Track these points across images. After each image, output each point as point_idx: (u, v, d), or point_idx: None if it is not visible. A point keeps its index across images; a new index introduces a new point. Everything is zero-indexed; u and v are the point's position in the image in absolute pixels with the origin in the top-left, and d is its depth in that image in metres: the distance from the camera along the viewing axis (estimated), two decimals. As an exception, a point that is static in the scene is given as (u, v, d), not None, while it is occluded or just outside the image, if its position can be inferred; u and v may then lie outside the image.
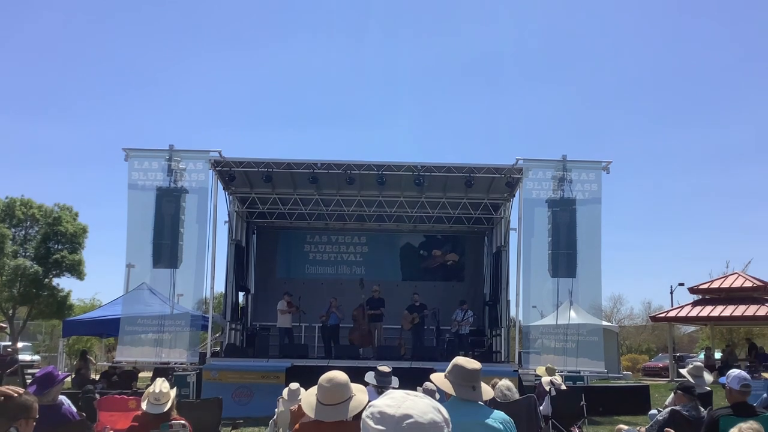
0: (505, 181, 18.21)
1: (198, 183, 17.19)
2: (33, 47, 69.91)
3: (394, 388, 7.26)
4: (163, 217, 16.73)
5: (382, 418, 1.53)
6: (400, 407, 1.54)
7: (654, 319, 33.59)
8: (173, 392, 5.79)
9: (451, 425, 1.58)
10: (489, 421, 3.64)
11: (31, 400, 3.34)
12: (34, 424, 3.55)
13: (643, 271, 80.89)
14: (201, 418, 8.32)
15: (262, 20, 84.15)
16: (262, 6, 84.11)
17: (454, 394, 3.65)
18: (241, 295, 20.75)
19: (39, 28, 70.13)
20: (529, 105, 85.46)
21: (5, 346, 26.09)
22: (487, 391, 3.77)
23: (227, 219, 19.67)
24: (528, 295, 17.16)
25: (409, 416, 1.51)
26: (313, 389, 3.88)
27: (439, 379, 3.81)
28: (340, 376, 3.85)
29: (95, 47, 75.42)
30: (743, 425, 3.91)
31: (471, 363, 3.74)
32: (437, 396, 5.14)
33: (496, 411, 3.77)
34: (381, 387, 7.06)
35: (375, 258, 22.14)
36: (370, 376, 7.29)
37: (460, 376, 3.69)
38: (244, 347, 19.32)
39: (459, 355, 4.03)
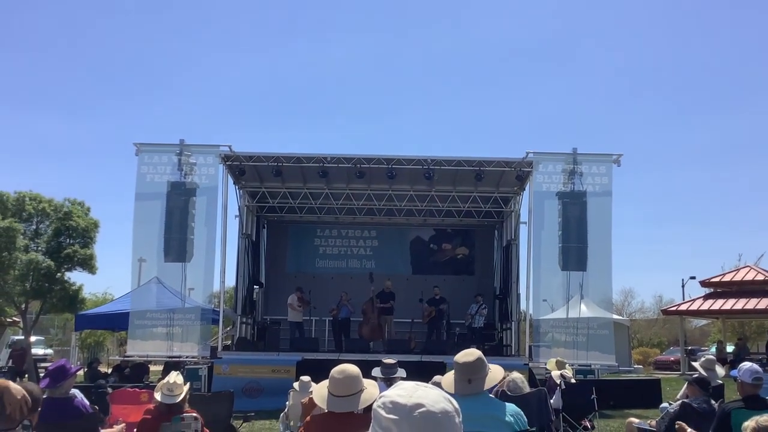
0: (515, 175, 18.15)
1: (208, 177, 17.23)
2: (42, 42, 70.27)
3: (402, 379, 7.29)
4: (174, 211, 16.78)
5: (394, 407, 1.53)
6: (411, 397, 1.54)
7: (665, 312, 33.46)
8: (187, 386, 5.82)
9: (461, 415, 1.58)
10: (499, 413, 3.65)
11: (38, 391, 3.37)
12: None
13: (654, 265, 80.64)
14: (212, 412, 8.35)
15: (271, 17, 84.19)
16: (270, 3, 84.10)
17: (453, 391, 3.64)
18: (255, 288, 20.81)
19: (50, 24, 70.48)
20: (539, 98, 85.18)
21: (18, 341, 26.31)
22: (491, 380, 3.76)
23: (237, 213, 19.73)
24: (538, 289, 17.12)
25: (421, 405, 1.52)
26: (325, 382, 3.90)
27: (446, 379, 3.84)
28: (352, 368, 3.87)
29: (106, 43, 75.71)
30: (760, 418, 3.88)
31: (465, 356, 3.74)
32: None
33: (507, 404, 3.77)
34: (388, 378, 7.06)
35: (385, 252, 22.15)
36: (376, 371, 7.31)
37: (456, 370, 3.71)
38: (255, 341, 19.39)
39: (469, 348, 4.01)
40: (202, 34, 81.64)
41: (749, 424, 3.87)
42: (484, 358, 3.78)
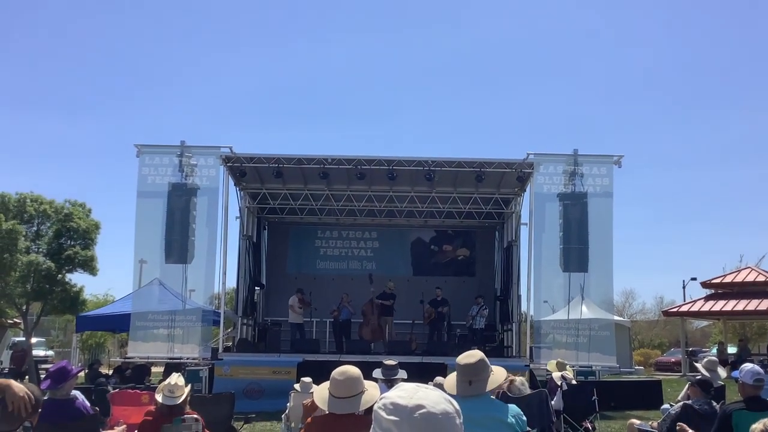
0: (515, 176, 18.16)
1: (209, 179, 17.25)
2: (43, 43, 70.33)
3: (403, 380, 7.31)
4: (175, 212, 16.79)
5: (395, 408, 1.53)
6: (412, 398, 1.54)
7: (666, 313, 33.45)
8: (188, 387, 5.82)
9: (462, 417, 1.58)
10: (500, 415, 3.65)
11: (38, 392, 3.37)
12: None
13: (655, 266, 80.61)
14: (213, 413, 8.35)
15: (271, 17, 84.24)
16: (270, 4, 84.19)
17: (454, 392, 3.63)
18: (256, 290, 20.80)
19: (50, 25, 70.55)
20: (540, 99, 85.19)
21: (19, 342, 26.32)
22: (493, 382, 3.76)
23: (238, 214, 19.74)
24: (539, 290, 17.13)
25: (421, 406, 1.52)
26: (326, 383, 3.89)
27: (449, 380, 3.83)
28: (353, 369, 3.87)
29: (107, 44, 75.77)
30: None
31: (466, 358, 3.73)
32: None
33: (508, 405, 3.77)
34: (389, 380, 7.07)
35: (386, 253, 22.15)
36: (377, 372, 7.32)
37: (458, 372, 3.71)
38: (256, 342, 19.39)
39: (471, 350, 4.01)
40: (202, 35, 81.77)
41: (757, 426, 3.85)
42: (486, 360, 3.78)
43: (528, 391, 9.04)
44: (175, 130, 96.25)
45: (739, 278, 28.10)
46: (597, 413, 11.49)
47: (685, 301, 35.00)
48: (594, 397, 11.20)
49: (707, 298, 28.81)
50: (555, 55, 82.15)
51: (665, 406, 9.66)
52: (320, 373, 5.68)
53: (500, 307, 20.60)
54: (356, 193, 19.88)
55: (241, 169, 17.97)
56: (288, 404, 8.76)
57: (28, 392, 2.97)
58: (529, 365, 16.18)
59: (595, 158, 17.36)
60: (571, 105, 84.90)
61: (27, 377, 20.71)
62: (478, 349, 4.14)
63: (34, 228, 22.89)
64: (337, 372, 3.84)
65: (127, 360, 18.33)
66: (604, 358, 16.79)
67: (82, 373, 14.54)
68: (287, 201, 20.14)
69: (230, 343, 19.65)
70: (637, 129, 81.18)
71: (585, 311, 17.19)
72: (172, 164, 17.06)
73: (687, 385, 7.73)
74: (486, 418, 3.57)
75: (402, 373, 7.49)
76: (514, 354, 18.70)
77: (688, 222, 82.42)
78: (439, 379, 6.94)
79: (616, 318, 23.55)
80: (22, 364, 22.68)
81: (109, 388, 11.49)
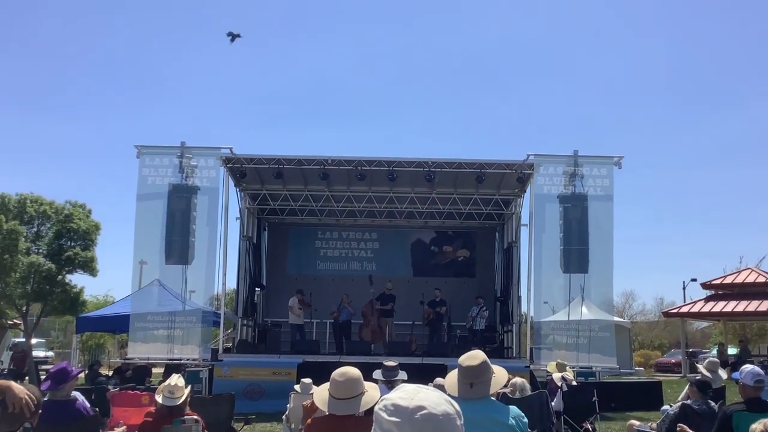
0: (516, 177, 18.16)
1: (209, 180, 17.25)
2: (44, 44, 70.34)
3: (403, 381, 7.32)
4: (175, 213, 16.79)
5: (396, 410, 1.54)
6: (413, 399, 1.54)
7: (666, 314, 33.45)
8: (188, 388, 5.81)
9: (462, 418, 1.58)
10: (501, 416, 3.64)
11: (38, 393, 3.37)
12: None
13: (656, 267, 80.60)
14: (213, 414, 8.35)
15: (271, 19, 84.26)
16: (271, 5, 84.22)
17: (455, 394, 3.61)
18: (256, 291, 20.80)
19: (51, 26, 70.58)
20: (540, 100, 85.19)
21: (19, 343, 26.32)
22: (495, 383, 3.74)
23: (238, 215, 19.74)
24: (539, 291, 17.13)
25: (422, 408, 1.52)
26: (326, 384, 3.89)
27: (449, 380, 3.81)
28: (353, 371, 3.86)
29: (107, 45, 75.79)
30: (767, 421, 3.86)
31: (468, 360, 3.69)
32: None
33: (508, 407, 3.76)
34: (389, 381, 7.07)
35: (386, 254, 22.14)
36: (377, 374, 7.32)
37: (459, 373, 3.69)
38: (256, 343, 19.39)
39: (473, 351, 3.98)
40: (202, 35, 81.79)
41: (757, 426, 3.85)
42: (489, 362, 3.75)
43: (528, 392, 9.05)
44: (175, 131, 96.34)
45: (740, 279, 28.11)
46: (597, 414, 11.48)
47: (685, 302, 35.03)
48: (594, 398, 11.20)
49: (707, 299, 28.81)
50: (555, 55, 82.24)
51: (665, 407, 9.66)
52: (320, 374, 5.67)
53: (500, 308, 20.58)
54: (356, 194, 19.88)
55: (241, 170, 17.97)
56: (288, 405, 8.76)
57: (29, 393, 2.97)
58: (529, 366, 16.16)
59: (595, 159, 17.36)
60: (571, 105, 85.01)
61: (27, 378, 20.72)
62: (478, 349, 4.10)
63: (35, 229, 22.90)
64: (337, 373, 3.84)
65: (127, 361, 18.32)
66: (604, 359, 16.79)
67: (82, 374, 14.56)
68: (287, 202, 20.13)
69: (230, 344, 19.64)
70: (637, 129, 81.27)
71: (585, 312, 17.19)
72: (173, 165, 17.07)
73: (687, 386, 7.74)
74: (486, 419, 3.56)
75: (402, 374, 7.49)
76: (514, 355, 18.67)
77: (688, 222, 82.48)
78: (439, 380, 6.94)
79: (616, 319, 23.55)
80: (23, 366, 22.68)
81: (109, 388, 11.48)
